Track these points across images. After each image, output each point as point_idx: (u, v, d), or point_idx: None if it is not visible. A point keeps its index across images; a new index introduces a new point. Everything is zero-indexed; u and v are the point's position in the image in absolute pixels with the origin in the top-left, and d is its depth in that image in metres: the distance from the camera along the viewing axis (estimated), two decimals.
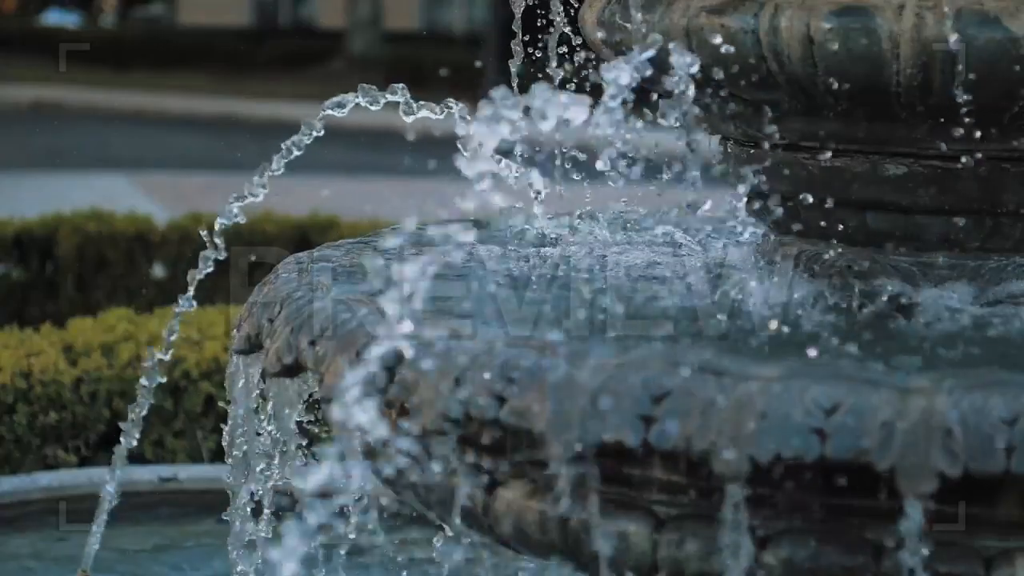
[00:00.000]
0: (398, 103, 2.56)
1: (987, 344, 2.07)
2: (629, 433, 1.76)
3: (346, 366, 1.96)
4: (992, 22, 2.07)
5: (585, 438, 1.77)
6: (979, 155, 2.17)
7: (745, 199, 2.45)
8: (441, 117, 2.57)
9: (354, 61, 26.15)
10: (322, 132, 2.58)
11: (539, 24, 2.70)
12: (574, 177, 2.14)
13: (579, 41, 2.62)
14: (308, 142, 2.58)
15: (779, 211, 2.35)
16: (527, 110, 1.89)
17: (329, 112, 2.56)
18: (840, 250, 2.28)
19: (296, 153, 2.58)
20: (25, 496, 3.95)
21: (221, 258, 2.68)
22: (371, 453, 2.16)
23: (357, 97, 2.56)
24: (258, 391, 2.49)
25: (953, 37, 2.06)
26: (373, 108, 2.56)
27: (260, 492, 2.62)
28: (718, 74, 2.22)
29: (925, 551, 1.75)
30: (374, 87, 2.57)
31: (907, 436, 1.70)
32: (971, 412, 1.71)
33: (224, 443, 2.60)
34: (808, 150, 2.27)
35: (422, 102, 2.58)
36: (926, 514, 1.73)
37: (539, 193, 2.63)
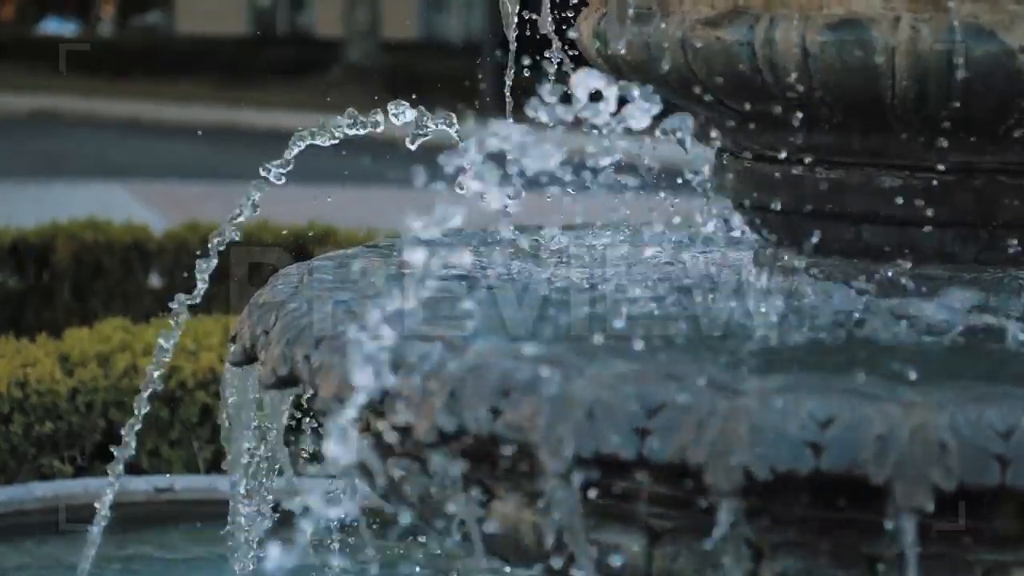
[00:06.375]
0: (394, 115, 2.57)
1: (982, 357, 2.07)
2: (624, 446, 1.75)
3: (341, 378, 1.96)
4: (988, 35, 2.07)
5: (580, 451, 1.77)
6: (975, 168, 2.17)
7: (740, 210, 2.45)
8: (426, 128, 2.57)
9: (352, 70, 26.17)
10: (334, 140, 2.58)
11: (534, 35, 2.71)
12: (569, 187, 2.14)
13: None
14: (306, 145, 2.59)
15: (774, 223, 2.35)
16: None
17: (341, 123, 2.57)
18: (835, 262, 2.28)
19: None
20: (21, 506, 3.94)
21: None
22: (366, 465, 2.16)
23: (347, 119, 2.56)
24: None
25: (949, 49, 2.06)
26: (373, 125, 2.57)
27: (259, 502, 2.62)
28: (713, 86, 2.23)
29: (920, 564, 1.75)
30: (352, 108, 2.58)
31: (902, 449, 1.70)
32: (966, 425, 1.71)
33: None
34: (803, 162, 2.27)
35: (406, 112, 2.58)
36: (921, 527, 1.72)
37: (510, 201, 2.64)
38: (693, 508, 1.84)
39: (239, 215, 2.60)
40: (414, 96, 2.59)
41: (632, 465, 1.77)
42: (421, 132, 2.52)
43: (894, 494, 1.70)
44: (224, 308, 5.00)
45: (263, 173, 2.57)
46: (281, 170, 2.58)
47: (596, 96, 1.93)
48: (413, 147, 1.86)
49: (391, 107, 2.53)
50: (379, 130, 2.57)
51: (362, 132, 2.57)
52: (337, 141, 2.58)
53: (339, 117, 2.58)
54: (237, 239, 2.62)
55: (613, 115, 1.95)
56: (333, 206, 8.56)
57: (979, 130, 2.14)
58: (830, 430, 1.71)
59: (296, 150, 2.57)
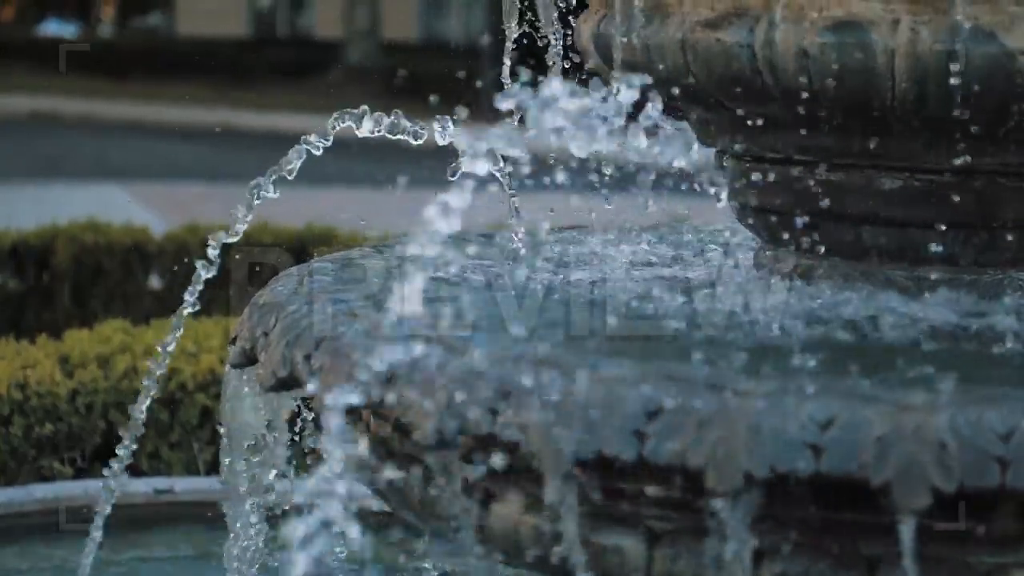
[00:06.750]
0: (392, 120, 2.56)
1: (982, 358, 2.07)
2: (623, 448, 1.75)
3: (340, 380, 1.96)
4: (988, 36, 2.07)
5: (579, 453, 1.77)
6: (975, 169, 2.17)
7: (740, 212, 2.45)
8: (421, 134, 2.57)
9: (352, 71, 26.16)
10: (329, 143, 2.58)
11: (531, 36, 2.71)
12: (565, 189, 2.15)
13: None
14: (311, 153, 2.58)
15: (774, 225, 2.35)
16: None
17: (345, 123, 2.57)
18: (835, 264, 2.28)
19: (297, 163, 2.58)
20: (20, 508, 3.94)
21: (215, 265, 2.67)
22: (365, 467, 2.15)
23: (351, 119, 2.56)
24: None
25: (948, 51, 2.06)
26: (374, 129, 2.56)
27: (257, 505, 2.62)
28: (713, 88, 2.23)
29: (919, 566, 1.75)
30: (362, 107, 2.57)
31: (902, 451, 1.70)
32: (966, 427, 1.71)
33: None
34: (803, 164, 2.27)
35: (407, 122, 2.57)
36: (921, 529, 1.72)
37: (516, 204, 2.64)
38: (693, 509, 1.84)
39: (278, 172, 2.59)
40: (438, 103, 2.58)
41: (632, 467, 1.77)
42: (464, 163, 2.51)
43: (894, 495, 1.70)
44: (224, 310, 5.00)
45: (304, 144, 2.57)
46: (322, 142, 2.57)
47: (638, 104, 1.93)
48: (455, 178, 1.87)
49: (436, 124, 2.52)
50: (419, 142, 2.57)
51: (395, 136, 2.57)
52: (373, 135, 2.58)
53: (382, 114, 2.58)
54: (273, 195, 2.59)
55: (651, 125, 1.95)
56: (334, 207, 8.56)
57: (979, 132, 2.14)
58: (830, 431, 1.71)
59: (338, 127, 2.56)
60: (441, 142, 2.50)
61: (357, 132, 2.57)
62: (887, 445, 1.70)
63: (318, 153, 2.58)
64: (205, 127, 21.02)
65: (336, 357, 2.03)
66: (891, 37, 2.09)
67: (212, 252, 2.63)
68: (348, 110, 2.57)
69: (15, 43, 30.56)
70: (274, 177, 2.58)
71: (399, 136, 2.57)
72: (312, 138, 2.57)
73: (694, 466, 1.73)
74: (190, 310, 2.70)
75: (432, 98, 2.52)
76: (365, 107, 2.57)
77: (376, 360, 1.89)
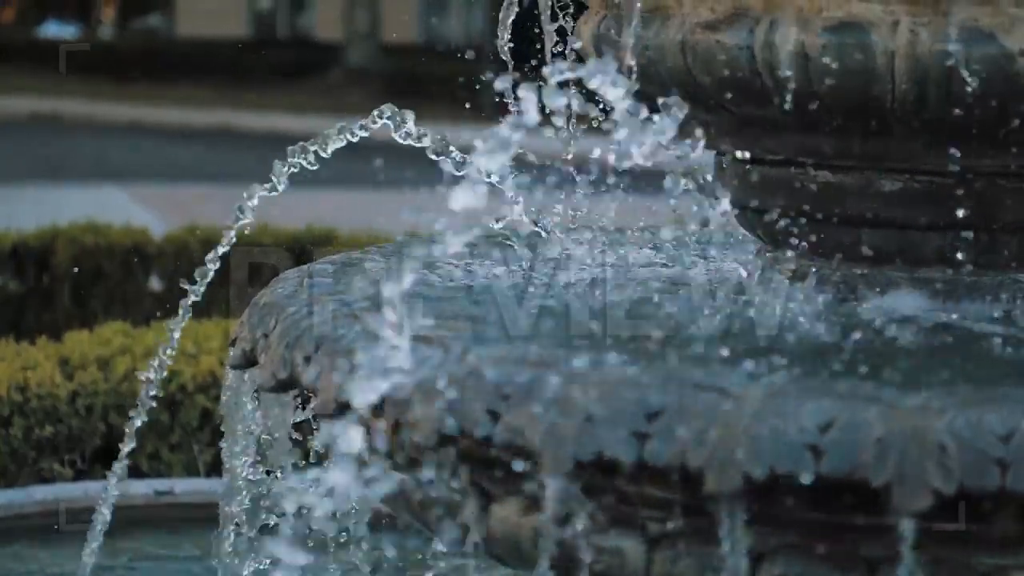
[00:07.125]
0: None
1: (982, 360, 2.07)
2: (623, 450, 1.75)
3: (340, 382, 1.96)
4: (987, 38, 2.07)
5: (578, 455, 1.77)
6: (975, 171, 2.17)
7: (740, 214, 2.45)
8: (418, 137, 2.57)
9: (352, 73, 26.17)
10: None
11: (532, 37, 2.71)
12: (567, 189, 2.15)
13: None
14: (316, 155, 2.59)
15: (774, 226, 2.35)
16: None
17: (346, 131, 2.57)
18: (835, 265, 2.28)
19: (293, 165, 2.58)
20: (20, 510, 3.94)
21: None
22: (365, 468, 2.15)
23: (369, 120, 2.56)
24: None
25: (948, 52, 2.06)
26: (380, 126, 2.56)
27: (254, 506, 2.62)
28: (713, 89, 2.23)
29: (919, 568, 1.75)
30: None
31: (902, 453, 1.70)
32: (966, 428, 1.71)
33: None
34: (803, 165, 2.27)
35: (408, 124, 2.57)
36: (921, 531, 1.72)
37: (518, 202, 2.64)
38: (693, 512, 1.84)
39: (318, 143, 2.59)
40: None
41: (631, 469, 1.77)
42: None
43: (894, 497, 1.70)
44: (224, 311, 5.00)
45: (339, 132, 2.57)
46: (362, 132, 2.57)
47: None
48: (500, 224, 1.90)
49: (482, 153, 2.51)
50: (463, 173, 2.57)
51: (437, 157, 2.57)
52: (417, 144, 2.58)
53: (426, 130, 2.58)
54: (313, 166, 2.59)
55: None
56: (333, 208, 8.57)
57: (979, 133, 2.14)
58: (830, 433, 1.71)
59: (377, 124, 2.56)
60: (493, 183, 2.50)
61: (394, 135, 2.57)
62: (887, 447, 1.70)
63: (355, 140, 2.57)
64: (205, 128, 21.02)
65: (335, 359, 2.03)
66: (891, 38, 2.09)
67: (251, 203, 2.64)
68: (391, 105, 2.57)
69: (15, 44, 30.57)
70: (315, 147, 2.59)
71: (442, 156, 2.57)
72: (354, 127, 2.57)
73: (694, 468, 1.73)
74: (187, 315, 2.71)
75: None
76: (411, 112, 2.57)
77: (376, 362, 1.88)
